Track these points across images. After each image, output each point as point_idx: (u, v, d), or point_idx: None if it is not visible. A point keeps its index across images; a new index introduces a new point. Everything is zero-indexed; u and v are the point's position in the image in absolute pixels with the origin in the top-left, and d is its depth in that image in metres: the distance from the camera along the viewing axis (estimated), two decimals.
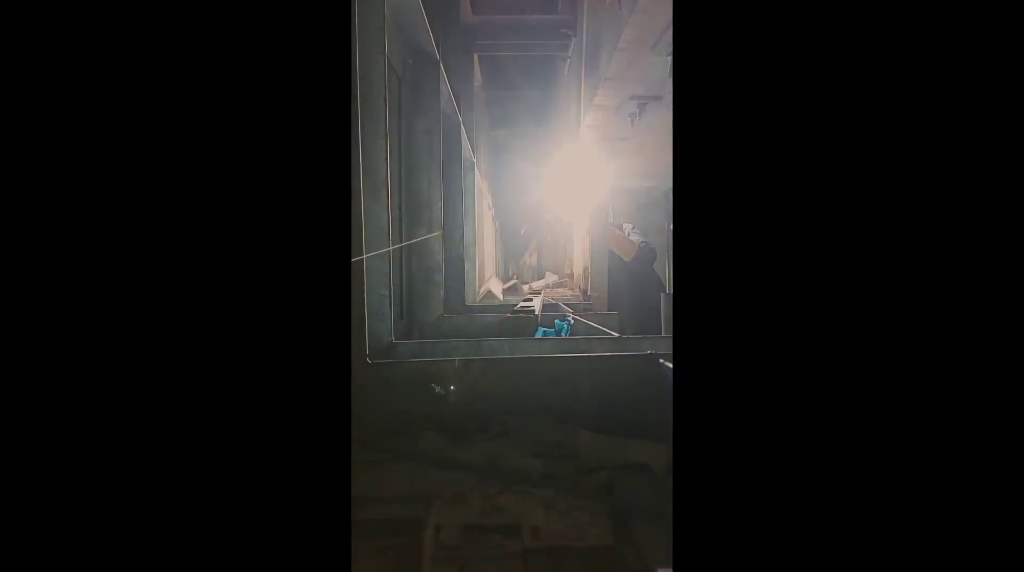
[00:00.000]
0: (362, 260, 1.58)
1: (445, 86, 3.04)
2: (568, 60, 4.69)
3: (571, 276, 5.54)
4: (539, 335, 2.69)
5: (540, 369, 1.63)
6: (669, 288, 4.87)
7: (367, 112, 1.70)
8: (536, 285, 6.23)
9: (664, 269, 6.24)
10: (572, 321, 2.84)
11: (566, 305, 3.47)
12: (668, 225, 6.76)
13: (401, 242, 2.65)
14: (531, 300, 3.76)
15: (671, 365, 1.48)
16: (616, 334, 2.51)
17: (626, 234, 4.78)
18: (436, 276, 2.99)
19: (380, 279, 1.84)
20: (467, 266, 3.76)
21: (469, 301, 3.88)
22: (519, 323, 2.92)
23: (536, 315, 2.97)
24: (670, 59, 2.65)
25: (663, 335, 2.97)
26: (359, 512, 1.10)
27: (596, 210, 4.59)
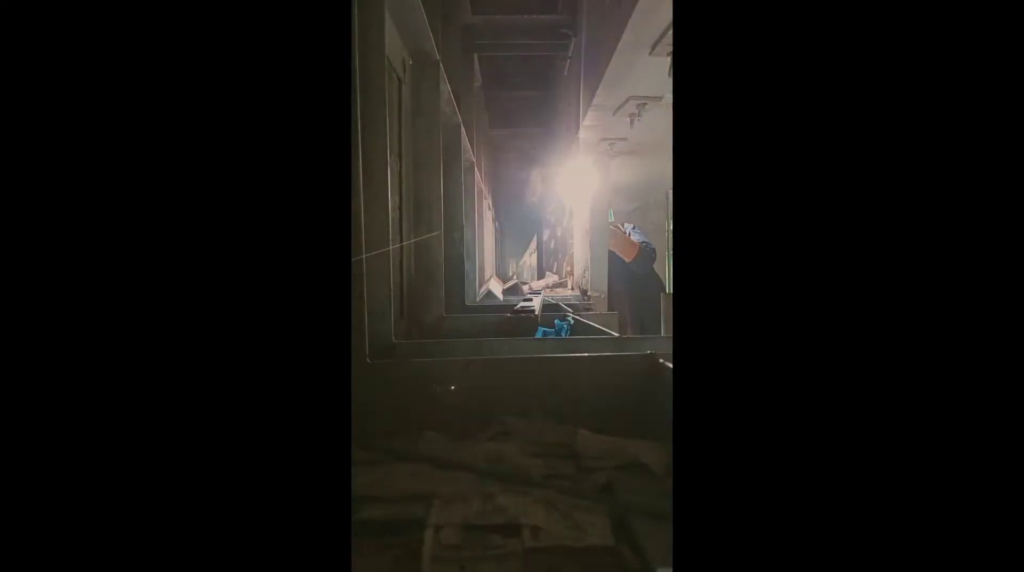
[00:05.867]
0: (362, 260, 1.58)
1: (445, 86, 3.04)
2: (568, 60, 4.69)
3: (571, 275, 5.55)
4: (539, 335, 2.69)
5: (540, 369, 1.63)
6: (669, 288, 4.88)
7: (367, 112, 1.70)
8: (536, 285, 6.23)
9: (664, 269, 6.24)
10: (572, 321, 2.84)
11: (566, 305, 3.47)
12: (668, 225, 6.76)
13: (401, 242, 2.65)
14: (531, 300, 3.76)
15: (671, 365, 1.48)
16: (616, 334, 2.51)
17: (627, 234, 4.78)
18: (436, 276, 2.99)
19: (380, 279, 1.84)
20: (467, 266, 3.77)
21: (469, 301, 3.88)
22: (519, 323, 2.92)
23: (536, 315, 2.98)
24: (670, 59, 2.65)
25: (663, 335, 2.97)
26: (359, 512, 1.10)
27: (596, 210, 4.60)
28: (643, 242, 4.77)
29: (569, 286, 5.49)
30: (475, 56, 4.96)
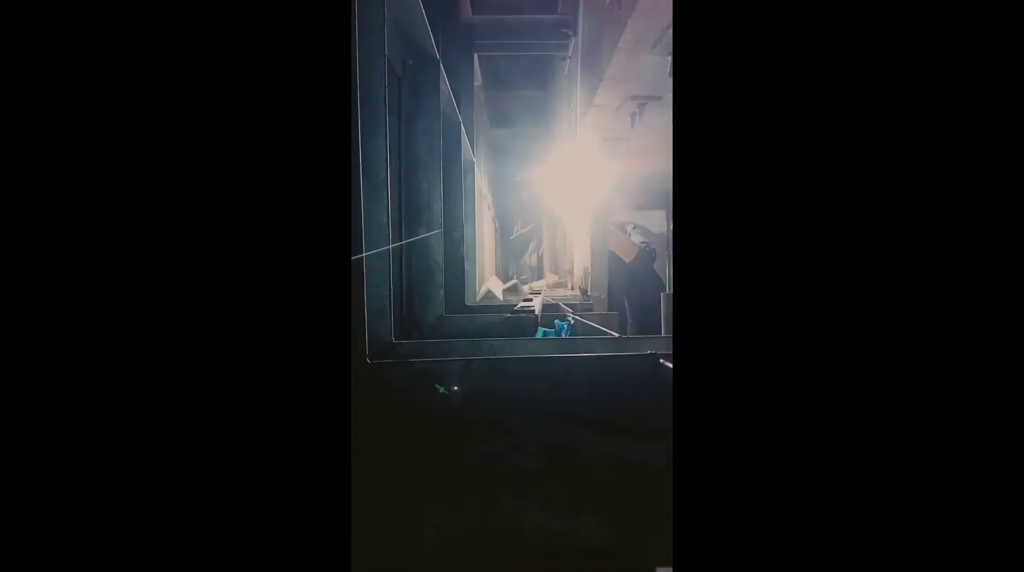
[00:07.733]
0: (362, 260, 1.58)
1: (445, 86, 3.04)
2: (568, 60, 4.69)
3: (571, 274, 5.55)
4: (539, 335, 2.70)
5: (540, 369, 1.62)
6: (669, 288, 4.88)
7: (367, 112, 1.70)
8: (536, 285, 6.23)
9: (664, 269, 6.25)
10: (572, 321, 2.84)
11: (566, 305, 3.47)
12: (668, 225, 6.76)
13: (401, 242, 2.65)
14: (531, 300, 3.76)
15: (671, 365, 1.48)
16: (616, 334, 2.51)
17: (627, 234, 4.79)
18: (436, 276, 2.99)
19: (380, 279, 1.84)
20: (467, 266, 3.76)
21: (469, 301, 3.88)
22: (519, 323, 2.92)
23: (536, 315, 2.98)
24: (670, 59, 2.65)
25: (663, 335, 2.97)
26: (359, 512, 1.10)
27: (596, 210, 4.60)
28: (643, 242, 4.77)
29: (569, 286, 5.49)
30: (475, 56, 4.96)
